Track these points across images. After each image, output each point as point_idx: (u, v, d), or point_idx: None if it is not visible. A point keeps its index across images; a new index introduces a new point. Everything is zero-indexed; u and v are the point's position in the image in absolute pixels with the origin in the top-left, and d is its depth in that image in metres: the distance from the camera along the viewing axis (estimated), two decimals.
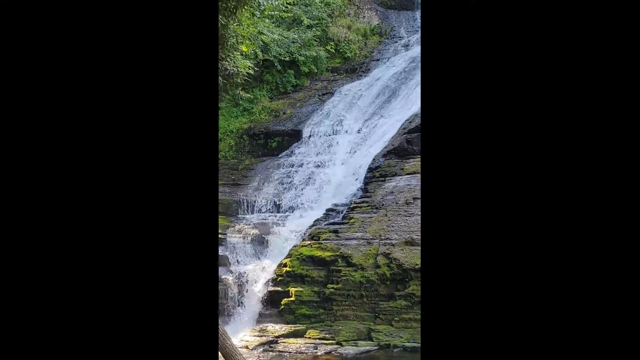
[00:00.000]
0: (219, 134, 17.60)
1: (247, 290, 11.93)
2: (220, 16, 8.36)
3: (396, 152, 13.85)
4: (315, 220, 13.07)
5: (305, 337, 10.20)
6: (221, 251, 12.59)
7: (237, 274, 12.12)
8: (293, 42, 18.78)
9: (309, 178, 15.03)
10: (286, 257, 11.83)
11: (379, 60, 19.41)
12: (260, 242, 12.95)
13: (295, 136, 16.82)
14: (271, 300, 11.43)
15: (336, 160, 15.32)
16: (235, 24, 9.37)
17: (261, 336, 10.49)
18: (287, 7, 14.36)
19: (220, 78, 11.66)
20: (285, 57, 18.70)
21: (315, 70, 19.34)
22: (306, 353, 9.67)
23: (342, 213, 13.06)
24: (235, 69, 11.10)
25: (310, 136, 16.56)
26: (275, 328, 10.73)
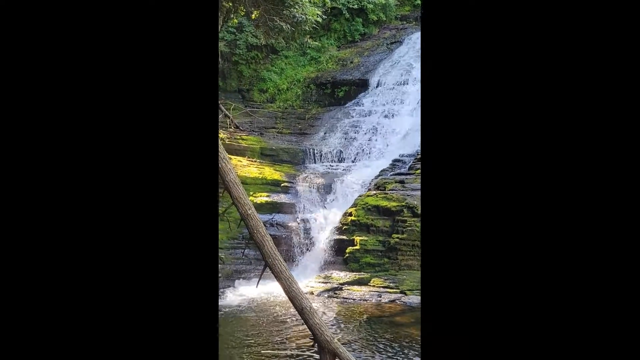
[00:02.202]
0: (286, 83, 17.64)
1: (312, 237, 12.12)
2: None
3: None
4: (382, 170, 13.04)
5: (370, 285, 10.32)
6: (288, 199, 12.79)
7: (303, 221, 12.32)
8: None
9: (376, 128, 14.93)
10: (351, 207, 11.90)
11: None
12: (326, 191, 13.06)
13: (362, 85, 16.66)
14: (336, 249, 11.58)
15: (404, 110, 15.12)
16: None
17: (326, 283, 10.68)
18: None
19: (288, 25, 11.59)
20: (353, 5, 18.39)
21: (384, 18, 18.95)
22: (370, 300, 9.80)
23: (408, 163, 12.96)
24: (303, 16, 11.00)
25: (377, 86, 16.36)
26: (340, 275, 10.89)
